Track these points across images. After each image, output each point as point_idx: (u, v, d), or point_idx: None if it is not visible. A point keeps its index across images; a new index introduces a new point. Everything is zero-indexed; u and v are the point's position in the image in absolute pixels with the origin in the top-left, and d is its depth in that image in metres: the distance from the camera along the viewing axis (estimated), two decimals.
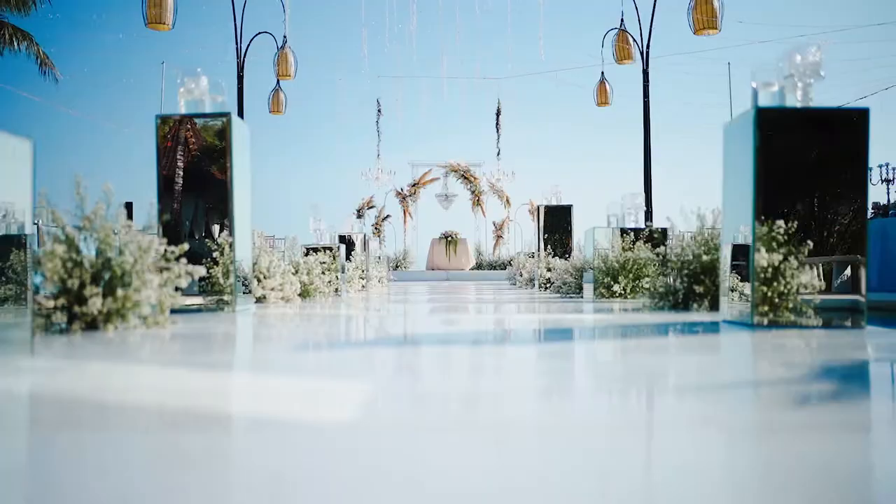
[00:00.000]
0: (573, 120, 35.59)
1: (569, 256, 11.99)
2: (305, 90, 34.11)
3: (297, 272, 8.22)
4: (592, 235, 7.55)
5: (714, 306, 5.11)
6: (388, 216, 30.75)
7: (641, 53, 20.19)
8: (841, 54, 30.33)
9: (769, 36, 30.72)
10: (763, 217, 3.58)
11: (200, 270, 3.80)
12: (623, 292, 7.74)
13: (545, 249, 12.58)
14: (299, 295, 8.33)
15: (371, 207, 30.29)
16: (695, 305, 5.14)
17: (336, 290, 10.37)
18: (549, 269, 12.12)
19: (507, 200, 29.88)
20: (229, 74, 20.19)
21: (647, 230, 8.16)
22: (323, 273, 10.31)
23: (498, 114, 28.70)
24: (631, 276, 7.84)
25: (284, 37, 20.47)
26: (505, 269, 23.53)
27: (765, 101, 3.75)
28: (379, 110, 28.01)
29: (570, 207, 12.54)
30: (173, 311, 5.40)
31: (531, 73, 30.06)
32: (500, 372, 2.35)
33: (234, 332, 3.87)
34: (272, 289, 7.01)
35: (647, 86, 19.85)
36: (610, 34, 19.87)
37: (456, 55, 31.50)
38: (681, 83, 32.99)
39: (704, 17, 17.26)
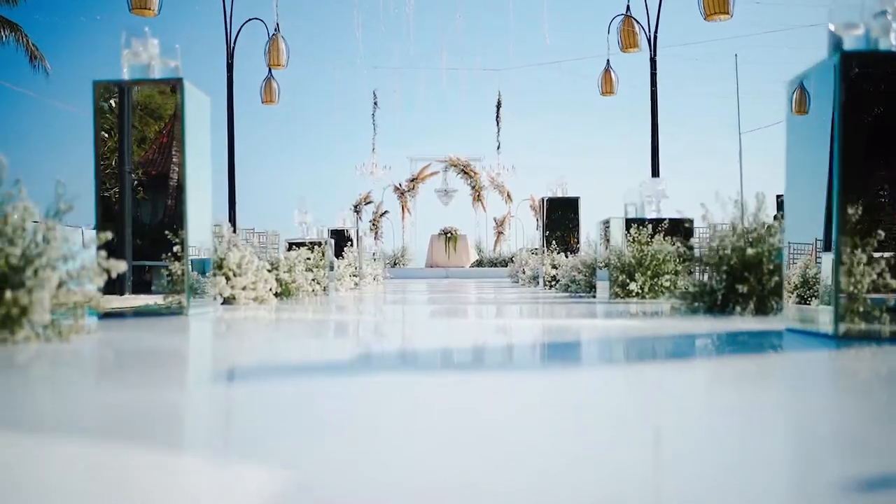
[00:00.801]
0: (576, 112, 34.65)
1: (571, 253, 11.12)
2: (301, 82, 33.19)
3: (274, 269, 7.37)
4: (607, 228, 6.69)
5: (761, 309, 4.27)
6: (385, 212, 29.89)
7: (649, 40, 19.33)
8: None
9: (781, 24, 29.77)
10: (852, 196, 2.73)
11: (120, 266, 2.95)
12: (640, 291, 6.89)
13: (550, 245, 11.71)
14: (278, 294, 7.48)
15: (369, 203, 29.43)
16: (737, 308, 4.29)
17: (324, 288, 9.53)
18: (554, 267, 11.27)
19: (508, 195, 29.01)
20: (218, 63, 19.34)
21: (666, 222, 7.30)
22: (310, 270, 9.48)
23: (498, 106, 27.81)
24: (649, 273, 6.99)
25: (276, 24, 19.61)
26: (507, 265, 22.66)
27: (848, 47, 2.89)
28: (375, 102, 27.12)
29: (577, 200, 11.68)
30: (117, 316, 4.56)
31: (532, 63, 29.16)
32: (502, 443, 1.49)
33: (153, 348, 3.01)
34: (243, 288, 6.16)
35: (655, 74, 18.97)
36: (615, 20, 19.01)
37: (455, 46, 30.60)
38: (688, 74, 32.07)
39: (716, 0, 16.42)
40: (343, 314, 5.43)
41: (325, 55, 35.30)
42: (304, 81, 34.06)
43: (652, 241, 7.08)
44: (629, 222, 6.85)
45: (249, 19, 19.29)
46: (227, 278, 6.08)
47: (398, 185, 29.47)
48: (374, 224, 29.06)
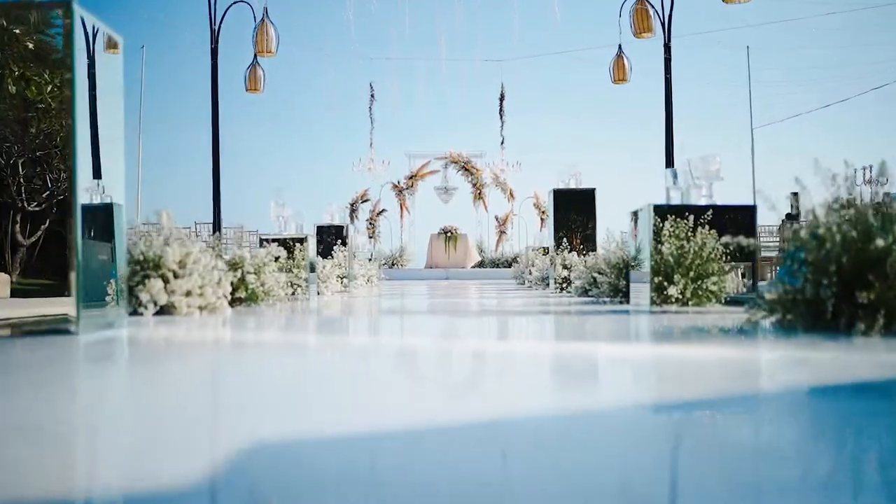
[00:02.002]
0: (583, 107, 33.24)
1: (586, 252, 9.79)
2: (293, 73, 31.87)
3: (235, 268, 6.08)
4: (648, 217, 5.36)
5: (889, 325, 2.97)
6: (383, 210, 28.58)
7: (663, 24, 18.09)
8: (868, 37, 28.18)
9: (795, 13, 28.45)
10: None
11: None
12: (681, 297, 5.60)
13: (560, 243, 10.37)
14: (242, 300, 6.20)
15: (365, 201, 28.14)
16: (859, 324, 2.99)
17: (304, 292, 8.26)
18: (565, 267, 9.98)
19: (511, 193, 27.69)
20: (203, 52, 18.08)
21: (710, 211, 5.98)
22: (290, 270, 8.21)
23: (501, 99, 26.50)
24: (691, 274, 5.70)
25: (265, 8, 18.33)
26: (510, 266, 21.37)
27: None
28: (372, 95, 25.81)
29: (594, 192, 10.35)
30: None
31: (537, 55, 27.86)
32: None
33: None
34: (187, 293, 4.87)
35: (669, 59, 17.71)
36: (628, 3, 17.76)
37: (455, 36, 29.25)
38: (700, 65, 30.73)
39: None
40: (301, 333, 4.13)
41: (319, 45, 33.89)
42: (297, 72, 32.72)
43: (695, 235, 5.79)
44: (663, 211, 5.53)
45: (235, 1, 18.02)
46: (166, 281, 4.80)
47: (396, 183, 28.19)
48: (371, 223, 27.77)
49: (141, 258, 4.77)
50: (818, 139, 30.41)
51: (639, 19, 17.40)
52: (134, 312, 4.62)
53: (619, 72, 17.82)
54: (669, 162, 18.07)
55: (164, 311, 4.74)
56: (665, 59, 17.72)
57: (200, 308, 4.92)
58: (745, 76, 28.02)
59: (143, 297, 4.58)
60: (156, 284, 4.65)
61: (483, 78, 27.44)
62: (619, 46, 17.88)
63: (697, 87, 29.82)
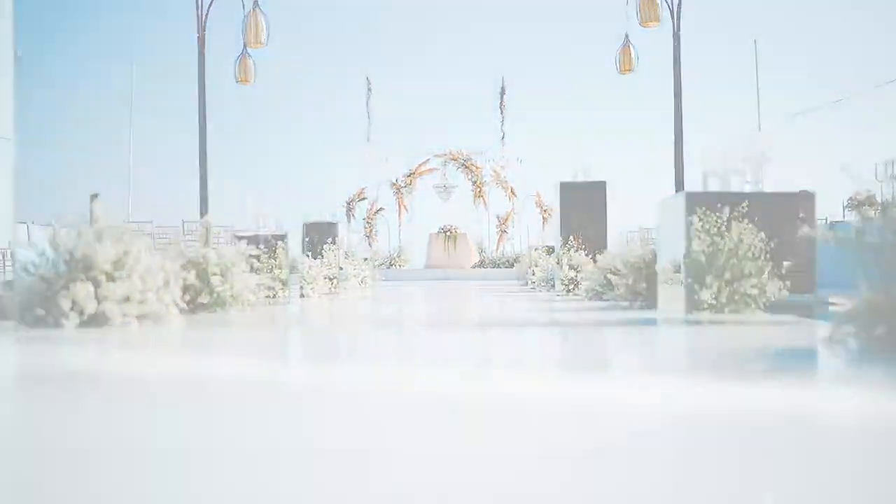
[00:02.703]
0: (587, 100, 32.26)
1: (592, 252, 8.87)
2: (288, 68, 30.97)
3: (189, 269, 5.23)
4: (682, 208, 4.49)
5: None
6: (381, 209, 27.72)
7: (671, 13, 17.23)
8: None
9: (804, 4, 27.59)
10: None
11: None
12: (714, 302, 4.75)
13: (567, 241, 9.48)
14: (206, 305, 5.36)
15: (362, 199, 27.27)
16: None
17: (285, 295, 7.42)
18: (573, 268, 9.12)
19: (512, 191, 26.82)
20: (190, 42, 17.26)
21: (746, 202, 5.11)
22: (270, 271, 7.37)
23: (502, 93, 25.64)
24: (726, 275, 4.85)
25: None
26: (511, 266, 20.51)
27: None
28: (369, 89, 24.94)
29: (604, 184, 9.46)
30: None
31: (539, 48, 27.01)
32: None
33: None
34: (126, 299, 4.01)
35: (679, 46, 16.86)
36: None
37: (455, 31, 28.39)
38: (709, 58, 29.86)
39: None
40: (234, 358, 3.28)
41: (315, 38, 33.01)
42: (291, 65, 31.81)
43: (730, 230, 4.94)
44: (704, 200, 4.66)
45: None
46: (98, 285, 3.94)
47: (394, 181, 27.34)
48: (368, 221, 26.90)
49: (67, 257, 3.93)
50: (826, 135, 29.51)
51: (645, 8, 16.56)
52: (56, 324, 3.78)
53: (626, 62, 16.94)
54: (679, 155, 17.23)
55: (94, 321, 3.89)
56: (674, 47, 16.89)
57: (139, 317, 4.07)
58: (752, 70, 27.16)
59: (64, 304, 3.73)
60: (82, 289, 3.79)
61: (483, 72, 26.53)
62: (626, 35, 17.01)
63: (704, 78, 28.93)
